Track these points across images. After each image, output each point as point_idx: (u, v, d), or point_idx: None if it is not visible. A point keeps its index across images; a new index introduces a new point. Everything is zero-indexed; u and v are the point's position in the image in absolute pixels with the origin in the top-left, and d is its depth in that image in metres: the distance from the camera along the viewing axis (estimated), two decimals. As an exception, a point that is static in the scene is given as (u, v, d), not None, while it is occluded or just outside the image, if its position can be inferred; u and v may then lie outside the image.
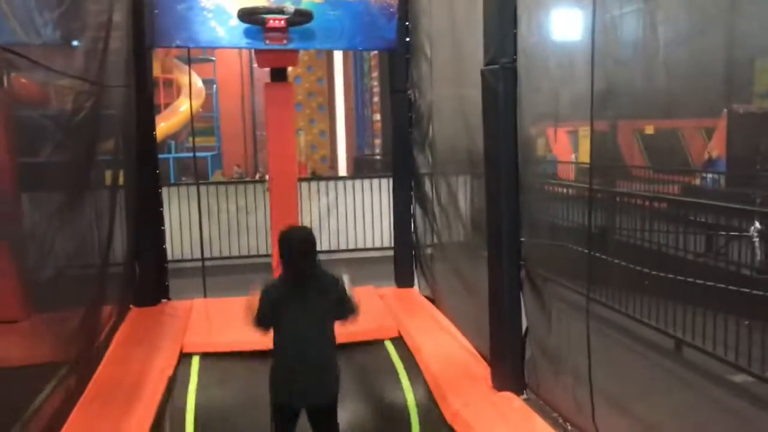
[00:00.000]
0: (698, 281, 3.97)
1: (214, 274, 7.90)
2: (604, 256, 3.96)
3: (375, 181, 9.70)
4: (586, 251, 3.82)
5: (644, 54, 3.82)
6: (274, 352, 3.70)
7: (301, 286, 3.62)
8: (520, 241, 4.56)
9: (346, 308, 3.73)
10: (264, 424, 3.85)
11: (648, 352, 4.13)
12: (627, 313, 4.51)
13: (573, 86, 3.96)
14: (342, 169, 16.80)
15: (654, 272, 4.14)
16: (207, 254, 7.88)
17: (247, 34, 6.46)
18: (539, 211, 4.56)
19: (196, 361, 5.54)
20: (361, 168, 16.59)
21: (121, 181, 6.13)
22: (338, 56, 16.81)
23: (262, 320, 3.67)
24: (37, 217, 4.16)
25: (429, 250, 6.99)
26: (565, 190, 5.33)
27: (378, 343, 5.87)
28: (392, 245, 7.76)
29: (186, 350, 5.65)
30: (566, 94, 4.08)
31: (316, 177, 12.86)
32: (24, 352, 3.73)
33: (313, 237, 3.68)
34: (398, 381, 5.28)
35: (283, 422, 3.74)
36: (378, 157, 16.02)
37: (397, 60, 7.22)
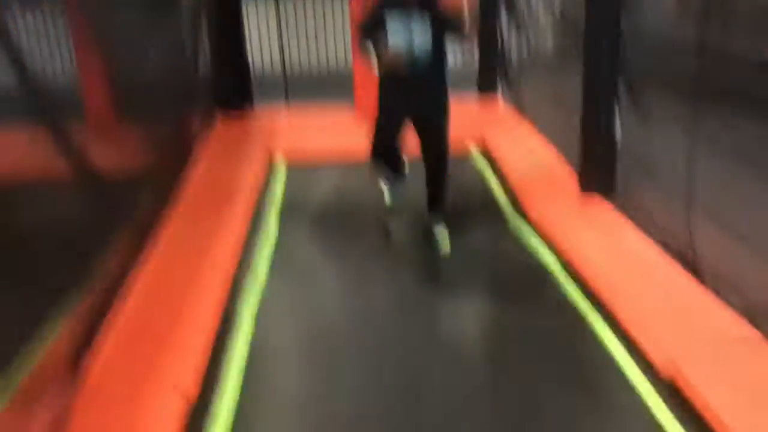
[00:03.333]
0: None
1: (296, 83, 7.91)
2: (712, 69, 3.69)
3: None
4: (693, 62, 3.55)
5: None
6: None
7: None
8: (619, 49, 4.29)
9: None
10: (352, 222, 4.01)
11: (750, 168, 3.95)
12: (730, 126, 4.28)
13: None
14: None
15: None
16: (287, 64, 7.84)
17: None
18: (641, 17, 4.22)
19: (283, 166, 5.74)
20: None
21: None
22: None
23: None
24: (126, 26, 4.12)
25: (515, 57, 6.70)
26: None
27: (462, 152, 5.84)
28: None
29: (275, 156, 5.84)
30: None
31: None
32: (120, 159, 3.84)
33: None
34: (484, 184, 5.34)
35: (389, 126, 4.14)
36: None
37: None
